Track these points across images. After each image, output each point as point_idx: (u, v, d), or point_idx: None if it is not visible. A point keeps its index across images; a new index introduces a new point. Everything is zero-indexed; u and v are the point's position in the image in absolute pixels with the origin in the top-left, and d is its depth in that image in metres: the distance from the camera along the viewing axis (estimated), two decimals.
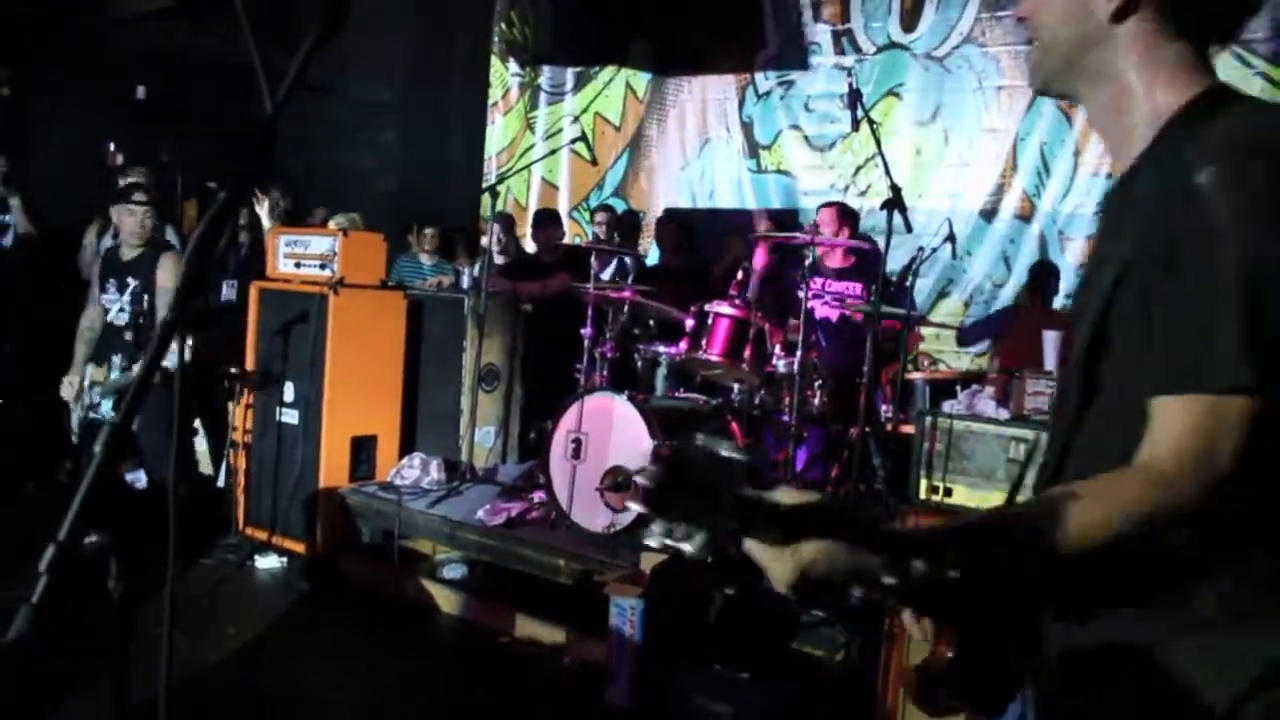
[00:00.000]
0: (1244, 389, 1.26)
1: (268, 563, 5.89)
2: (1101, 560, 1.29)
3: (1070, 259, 7.39)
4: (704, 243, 7.99)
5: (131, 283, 5.63)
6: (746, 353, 5.40)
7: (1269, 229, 1.26)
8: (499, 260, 7.39)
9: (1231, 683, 1.31)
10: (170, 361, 4.60)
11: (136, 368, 5.26)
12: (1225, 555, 1.34)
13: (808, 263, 5.46)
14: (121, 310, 5.63)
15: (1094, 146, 7.32)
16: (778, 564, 1.23)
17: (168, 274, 5.59)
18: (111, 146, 9.28)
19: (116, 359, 5.57)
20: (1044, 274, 6.98)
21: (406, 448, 6.37)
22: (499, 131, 10.67)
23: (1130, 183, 1.45)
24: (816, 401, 5.70)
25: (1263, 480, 1.29)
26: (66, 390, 5.69)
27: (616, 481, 5.04)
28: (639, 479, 1.07)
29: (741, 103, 9.06)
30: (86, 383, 5.64)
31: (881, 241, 5.13)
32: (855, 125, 5.54)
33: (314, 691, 4.43)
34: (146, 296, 5.61)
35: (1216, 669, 1.33)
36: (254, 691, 4.35)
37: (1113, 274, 1.38)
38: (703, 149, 9.30)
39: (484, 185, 9.97)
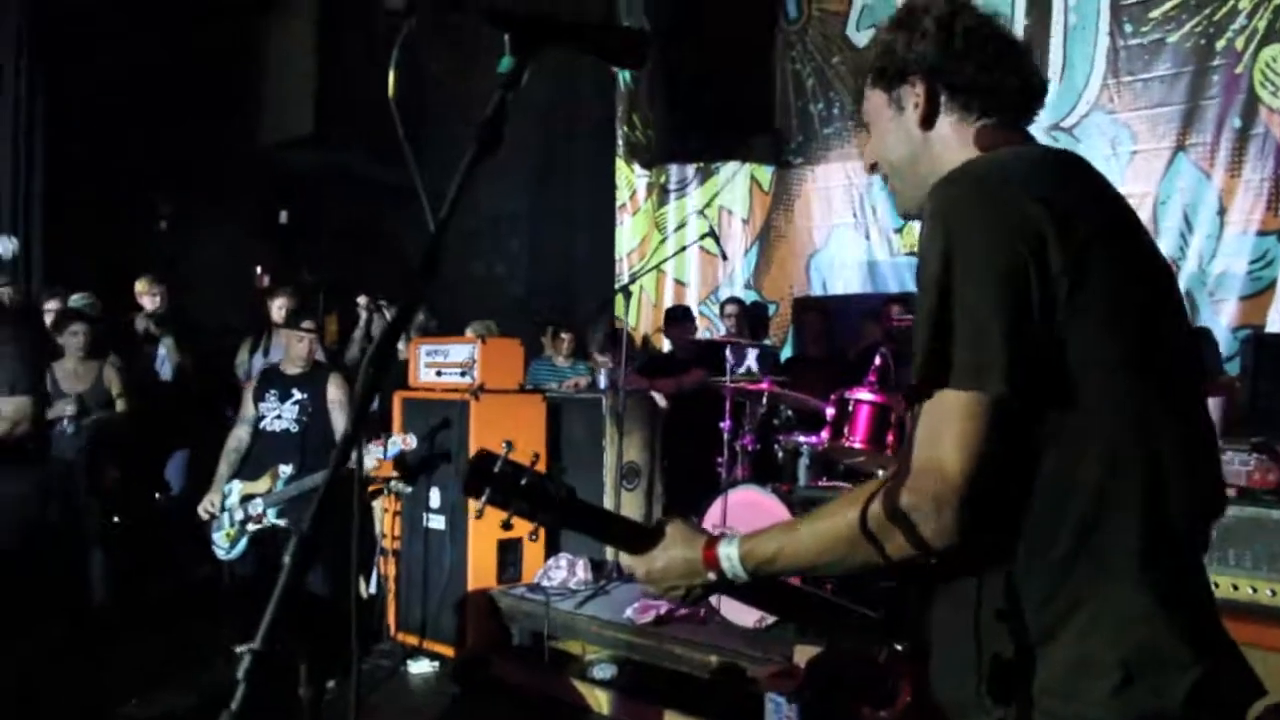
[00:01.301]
0: (928, 388, 1.40)
1: (420, 667, 5.95)
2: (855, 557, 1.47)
3: (1224, 320, 7.09)
4: (837, 329, 7.94)
5: (297, 394, 5.77)
6: (890, 438, 5.31)
7: (944, 243, 1.42)
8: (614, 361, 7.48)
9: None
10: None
11: (309, 478, 5.45)
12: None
13: None
14: (280, 418, 5.75)
15: (1240, 203, 7.09)
16: (636, 564, 1.73)
17: (338, 390, 5.76)
18: (259, 269, 9.72)
19: (285, 468, 5.64)
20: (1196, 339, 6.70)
21: (552, 549, 6.40)
22: (629, 232, 10.83)
23: None
24: None
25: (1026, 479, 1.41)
26: (205, 510, 5.74)
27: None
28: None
29: (868, 188, 9.05)
30: (237, 497, 5.72)
31: None
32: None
33: None
34: (313, 411, 5.74)
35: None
36: None
37: None
38: (830, 235, 9.29)
39: (616, 285, 10.10)
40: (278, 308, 7.37)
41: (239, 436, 5.88)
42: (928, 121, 1.68)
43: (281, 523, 5.59)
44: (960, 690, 1.51)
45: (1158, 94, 7.42)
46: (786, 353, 8.96)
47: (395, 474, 6.25)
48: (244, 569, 5.74)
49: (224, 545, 5.76)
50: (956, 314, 1.40)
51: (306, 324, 5.88)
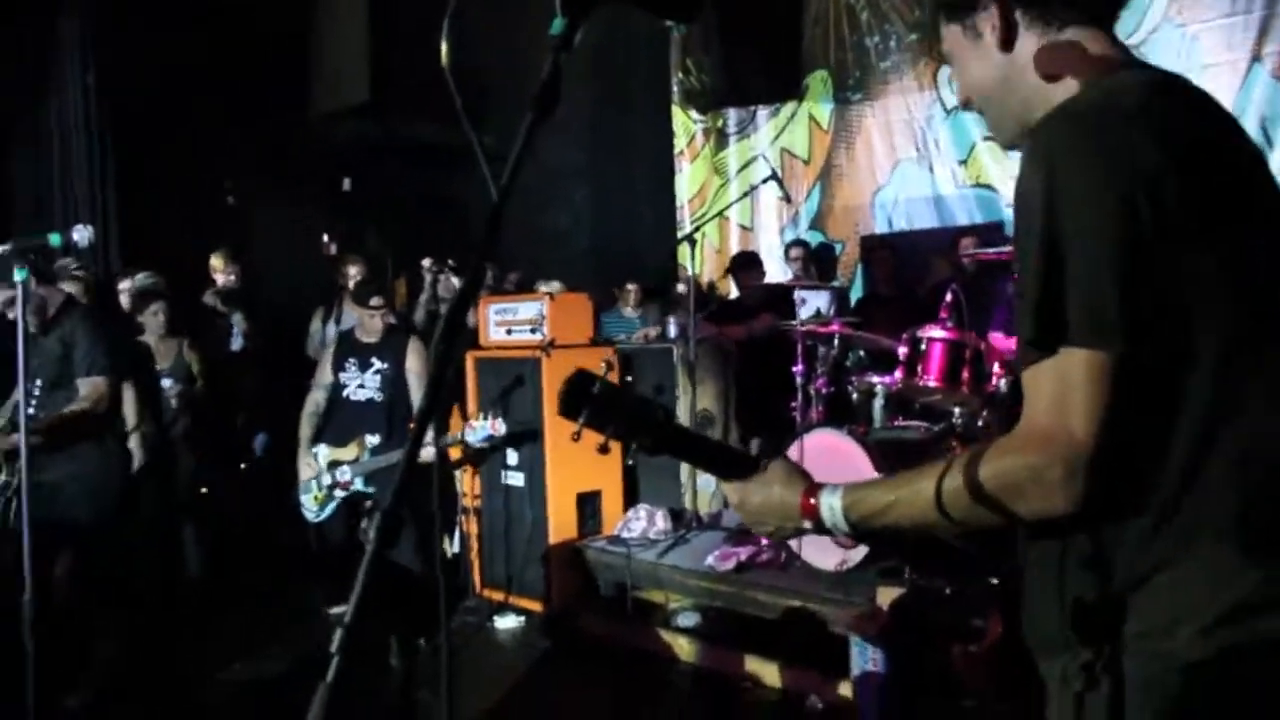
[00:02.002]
0: (1043, 345, 1.35)
1: (506, 623, 6.04)
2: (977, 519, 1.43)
3: None
4: (906, 266, 7.85)
5: (377, 363, 5.83)
6: (965, 375, 5.25)
7: (1050, 187, 1.36)
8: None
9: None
10: (428, 453, 4.79)
11: (396, 450, 5.48)
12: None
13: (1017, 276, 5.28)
14: (363, 387, 5.82)
15: None
16: (732, 492, 1.70)
17: (416, 359, 5.82)
18: (326, 237, 9.82)
19: (372, 438, 5.70)
20: None
21: (630, 500, 6.44)
22: (687, 179, 10.77)
23: None
24: None
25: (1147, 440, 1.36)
26: (306, 470, 5.86)
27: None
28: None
29: (930, 120, 8.89)
30: (323, 462, 5.82)
31: None
32: None
33: None
34: (395, 380, 5.80)
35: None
36: None
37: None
38: (894, 171, 9.15)
39: (678, 234, 10.06)
40: (352, 276, 7.44)
41: (316, 400, 5.97)
42: (1008, 43, 1.59)
43: (370, 489, 5.69)
44: (1046, 631, 1.50)
45: (1228, 2, 7.18)
46: (856, 293, 8.88)
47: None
48: (333, 532, 5.87)
49: (313, 508, 5.85)
50: (1069, 266, 1.34)
51: (375, 301, 5.92)
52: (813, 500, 1.60)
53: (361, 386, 5.82)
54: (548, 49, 1.30)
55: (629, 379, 6.57)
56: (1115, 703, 1.40)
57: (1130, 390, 1.34)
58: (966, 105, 1.71)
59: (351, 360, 5.88)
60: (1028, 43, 1.58)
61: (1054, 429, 1.35)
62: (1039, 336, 1.37)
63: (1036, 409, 1.37)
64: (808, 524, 1.62)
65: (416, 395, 5.77)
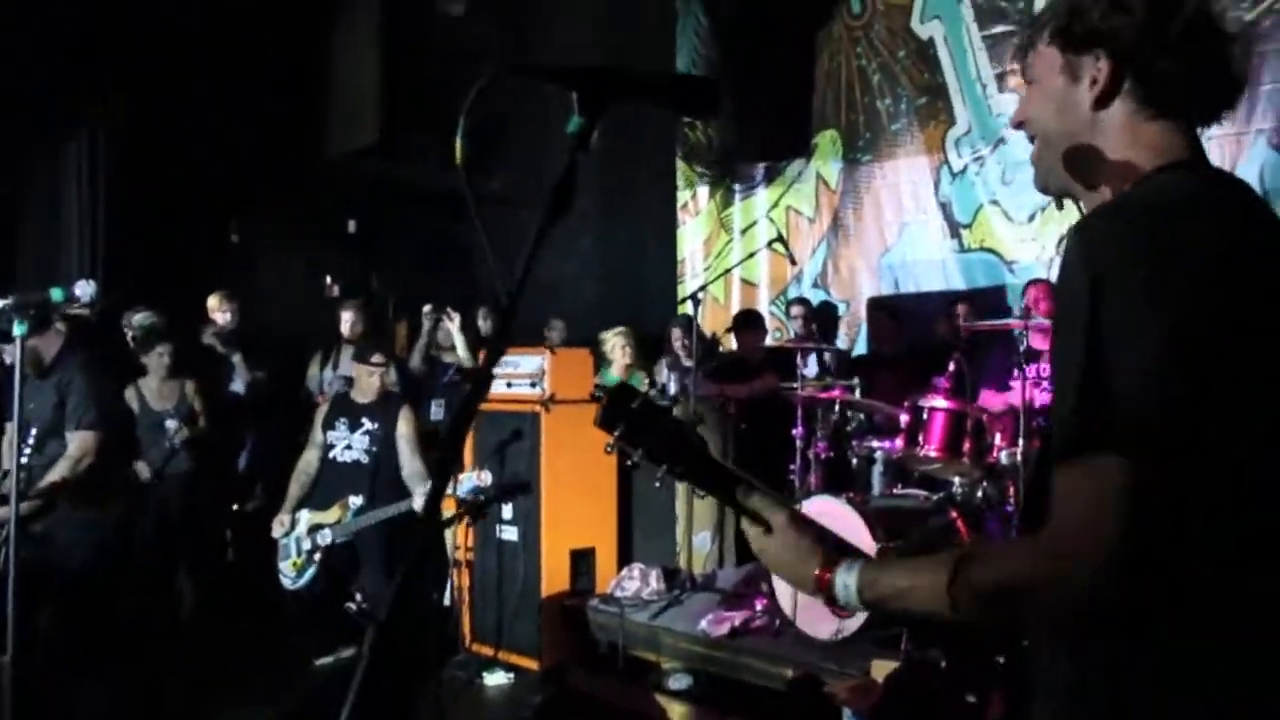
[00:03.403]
0: (1083, 447, 1.30)
1: (496, 679, 5.95)
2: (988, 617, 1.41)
3: None
4: (910, 328, 7.85)
5: (367, 424, 5.82)
6: (966, 446, 5.23)
7: (1097, 285, 1.31)
8: (687, 364, 7.39)
9: None
10: (417, 504, 4.74)
11: (378, 511, 5.54)
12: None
13: (1023, 348, 5.28)
14: (349, 448, 5.79)
15: None
16: (751, 534, 1.64)
17: (408, 425, 5.85)
18: (328, 279, 9.82)
19: (355, 499, 5.67)
20: None
21: (624, 558, 6.39)
22: (690, 232, 10.79)
23: None
24: None
25: (1184, 554, 1.30)
26: (277, 529, 5.84)
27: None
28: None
29: (937, 183, 8.92)
30: (305, 526, 5.78)
31: None
32: (1060, 203, 5.37)
33: None
34: (383, 442, 5.80)
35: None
36: None
37: None
38: (902, 233, 9.17)
39: (681, 287, 10.07)
40: (347, 323, 7.42)
41: (309, 460, 5.95)
42: (1102, 101, 1.52)
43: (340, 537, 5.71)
44: None
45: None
46: (859, 351, 8.88)
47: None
48: (308, 591, 5.85)
49: (290, 574, 5.82)
50: (1115, 370, 1.30)
51: (376, 358, 5.93)
52: (829, 575, 1.56)
53: (349, 447, 5.81)
54: (565, 149, 1.28)
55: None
56: None
57: (1170, 500, 1.30)
58: (1020, 126, 1.66)
59: (342, 420, 5.88)
60: (1116, 111, 1.53)
61: (1083, 531, 1.30)
62: (1080, 439, 1.32)
63: (1067, 512, 1.32)
64: (820, 596, 1.59)
65: (407, 461, 5.81)
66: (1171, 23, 1.48)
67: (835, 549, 1.61)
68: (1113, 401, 1.29)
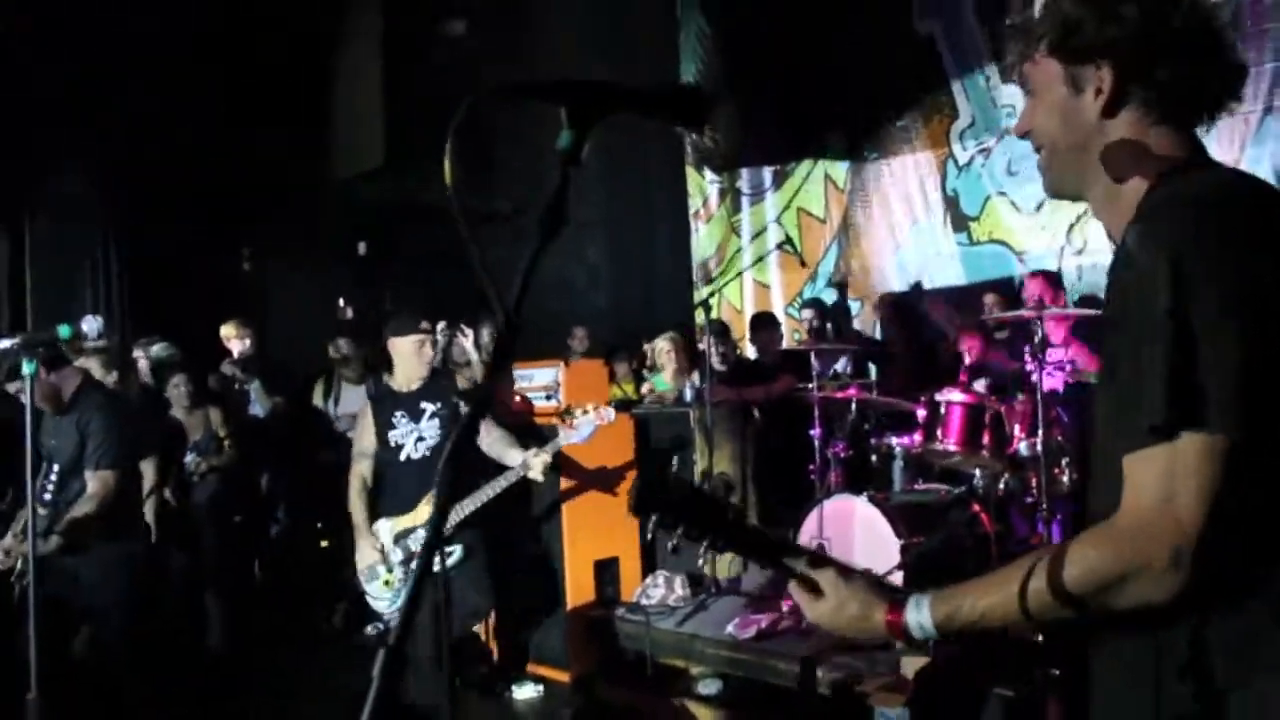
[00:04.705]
0: (1169, 431, 1.31)
1: (524, 692, 5.95)
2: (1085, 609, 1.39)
3: None
4: (925, 325, 7.84)
5: (430, 407, 5.22)
6: (985, 439, 5.22)
7: (1178, 273, 1.33)
8: (719, 368, 7.39)
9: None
10: (517, 459, 4.48)
11: (471, 497, 5.01)
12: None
13: (1037, 338, 5.26)
14: (422, 440, 5.19)
15: None
16: (803, 602, 1.63)
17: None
18: (341, 301, 9.87)
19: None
20: None
21: (649, 566, 6.38)
22: (703, 239, 10.80)
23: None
24: (1066, 480, 5.44)
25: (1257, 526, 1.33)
26: (370, 554, 5.15)
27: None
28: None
29: (944, 177, 8.90)
30: (389, 537, 5.15)
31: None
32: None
33: None
34: (453, 418, 5.19)
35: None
36: None
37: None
38: (912, 229, 9.15)
39: (694, 294, 10.07)
40: (341, 349, 7.41)
41: (361, 474, 5.28)
42: (1110, 111, 1.55)
43: (451, 550, 5.07)
44: None
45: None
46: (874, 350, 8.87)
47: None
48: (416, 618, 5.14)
49: (385, 595, 5.17)
50: (1198, 352, 1.32)
51: (425, 325, 5.34)
52: (898, 619, 1.55)
53: (421, 439, 5.18)
54: (557, 164, 1.29)
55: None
56: None
57: (1242, 479, 1.32)
58: (1025, 136, 1.68)
59: (399, 415, 5.24)
60: (1121, 119, 1.56)
61: (1161, 516, 1.32)
62: (1165, 422, 1.33)
63: (1142, 495, 1.34)
64: (898, 643, 1.59)
65: (479, 434, 5.01)
66: (1166, 28, 1.51)
67: (889, 590, 1.62)
68: (1191, 383, 1.31)
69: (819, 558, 1.67)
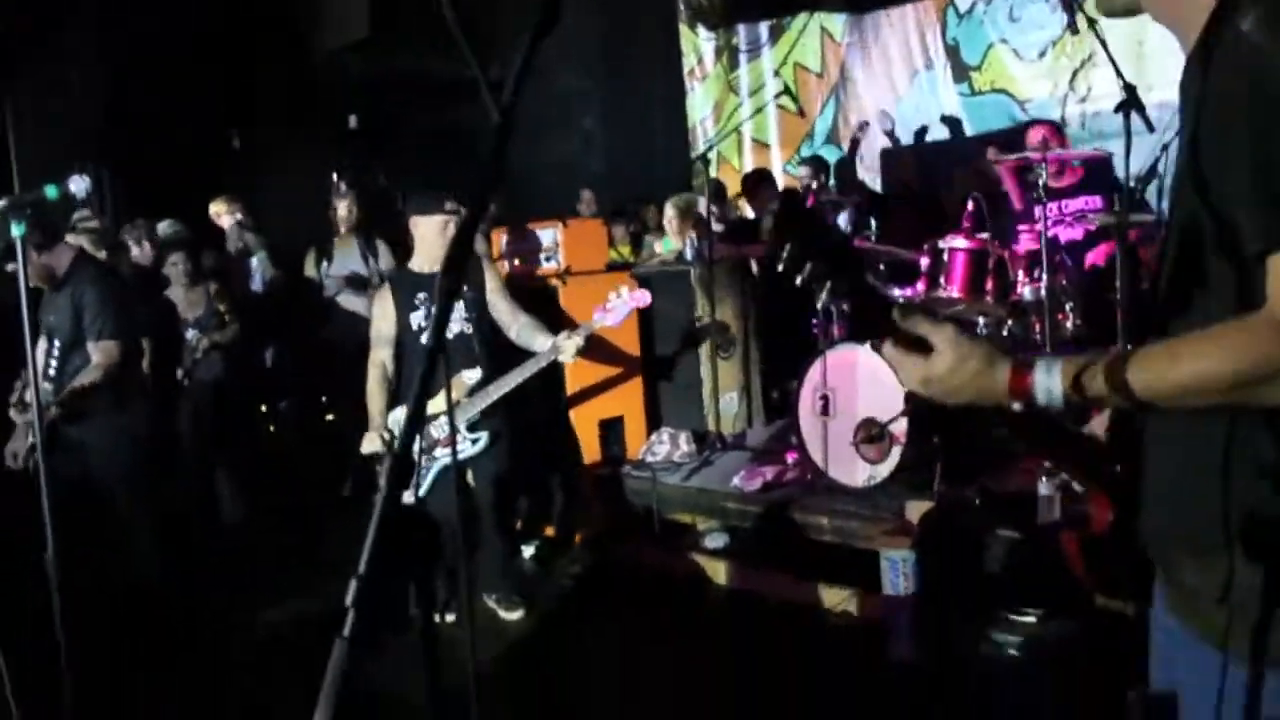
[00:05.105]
0: None
1: (532, 551, 6.03)
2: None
3: None
4: (927, 176, 7.75)
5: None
6: (989, 285, 5.19)
7: None
8: (717, 228, 7.32)
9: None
10: (545, 344, 4.42)
11: (498, 382, 4.86)
12: None
13: (1041, 182, 5.19)
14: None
15: None
16: (907, 366, 1.54)
17: (495, 279, 5.18)
18: (335, 176, 9.73)
19: (471, 374, 4.89)
20: None
21: (653, 424, 6.41)
22: (699, 99, 10.62)
23: (1194, 63, 1.40)
24: (1070, 325, 5.43)
25: None
26: (372, 444, 4.94)
27: (871, 434, 4.94)
28: None
29: (944, 26, 8.70)
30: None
31: (1115, 145, 4.85)
32: (1074, 27, 5.24)
33: (603, 672, 4.52)
34: (480, 304, 5.04)
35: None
36: (546, 677, 4.49)
37: (1187, 151, 1.37)
38: (913, 81, 8.98)
39: (690, 154, 9.95)
40: (343, 213, 7.33)
41: (382, 361, 5.03)
42: None
43: (477, 438, 4.95)
44: (1193, 528, 1.43)
45: None
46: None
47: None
48: (442, 508, 4.70)
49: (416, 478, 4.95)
50: None
51: (450, 205, 5.00)
52: (1025, 380, 1.46)
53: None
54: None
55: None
56: (1262, 625, 1.35)
57: None
58: None
59: (420, 297, 4.97)
60: None
61: None
62: None
63: None
64: (1016, 405, 1.48)
65: (508, 318, 5.08)
66: None
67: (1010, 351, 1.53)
68: None
69: (934, 314, 1.57)
